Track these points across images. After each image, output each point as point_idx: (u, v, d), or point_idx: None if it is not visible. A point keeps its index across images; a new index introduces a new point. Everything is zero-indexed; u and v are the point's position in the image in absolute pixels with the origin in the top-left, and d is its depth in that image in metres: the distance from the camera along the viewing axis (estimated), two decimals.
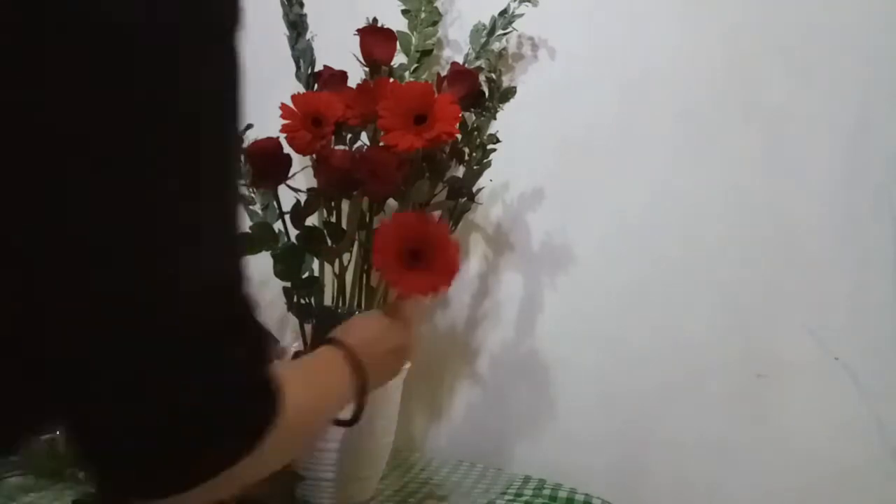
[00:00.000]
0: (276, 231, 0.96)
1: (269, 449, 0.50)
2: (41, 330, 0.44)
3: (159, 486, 0.48)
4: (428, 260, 0.77)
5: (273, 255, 0.94)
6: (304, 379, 0.58)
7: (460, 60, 1.04)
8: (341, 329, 0.72)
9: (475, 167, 0.98)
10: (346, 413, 0.71)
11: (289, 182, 0.94)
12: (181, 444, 0.46)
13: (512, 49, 1.10)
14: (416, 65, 1.05)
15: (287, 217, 0.95)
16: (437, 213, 1.00)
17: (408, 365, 0.95)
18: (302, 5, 1.00)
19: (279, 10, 0.99)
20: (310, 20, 1.00)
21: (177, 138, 0.44)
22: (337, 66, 0.97)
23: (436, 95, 0.89)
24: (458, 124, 0.88)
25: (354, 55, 0.97)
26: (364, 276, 0.96)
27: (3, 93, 0.40)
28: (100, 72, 0.41)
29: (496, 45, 1.05)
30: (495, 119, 0.99)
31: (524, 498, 0.97)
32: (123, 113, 0.42)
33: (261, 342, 0.51)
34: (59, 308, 0.43)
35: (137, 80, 0.42)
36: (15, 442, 0.52)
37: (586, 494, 0.98)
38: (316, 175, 0.92)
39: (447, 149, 0.96)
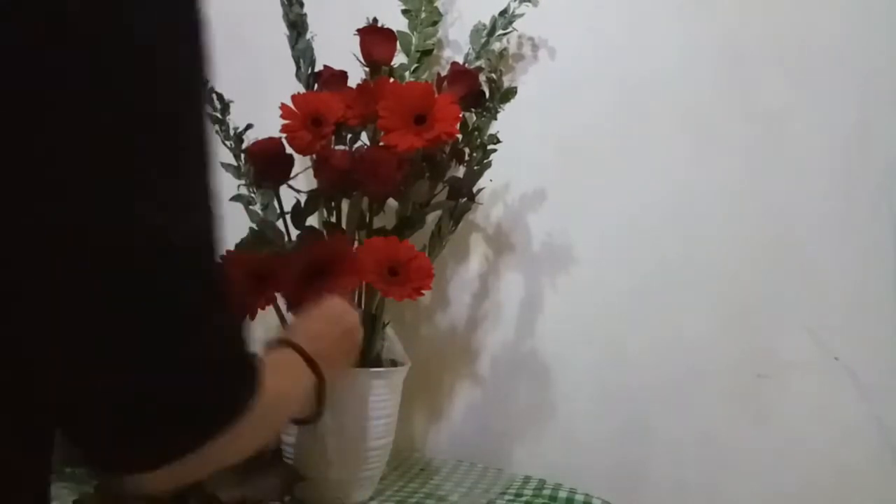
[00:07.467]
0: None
1: (245, 429, 0.49)
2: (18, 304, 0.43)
3: (139, 459, 0.48)
4: (405, 272, 0.87)
5: None
6: (274, 367, 0.58)
7: (460, 60, 1.04)
8: (286, 332, 0.71)
9: (475, 167, 0.98)
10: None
11: (289, 182, 0.94)
12: (159, 417, 0.46)
13: (512, 49, 1.10)
14: (416, 65, 1.05)
15: (287, 217, 0.95)
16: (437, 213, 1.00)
17: (408, 365, 0.96)
18: (302, 5, 1.00)
19: (279, 10, 0.99)
20: (310, 20, 1.00)
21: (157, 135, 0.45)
22: (337, 66, 0.97)
23: (436, 95, 0.89)
24: (458, 124, 0.88)
25: (354, 55, 0.97)
26: None
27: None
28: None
29: (496, 45, 1.05)
30: (496, 119, 0.99)
31: (524, 498, 0.97)
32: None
33: (238, 319, 0.52)
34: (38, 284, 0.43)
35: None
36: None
37: (586, 494, 0.98)
38: (316, 175, 0.92)
39: (447, 149, 0.96)
